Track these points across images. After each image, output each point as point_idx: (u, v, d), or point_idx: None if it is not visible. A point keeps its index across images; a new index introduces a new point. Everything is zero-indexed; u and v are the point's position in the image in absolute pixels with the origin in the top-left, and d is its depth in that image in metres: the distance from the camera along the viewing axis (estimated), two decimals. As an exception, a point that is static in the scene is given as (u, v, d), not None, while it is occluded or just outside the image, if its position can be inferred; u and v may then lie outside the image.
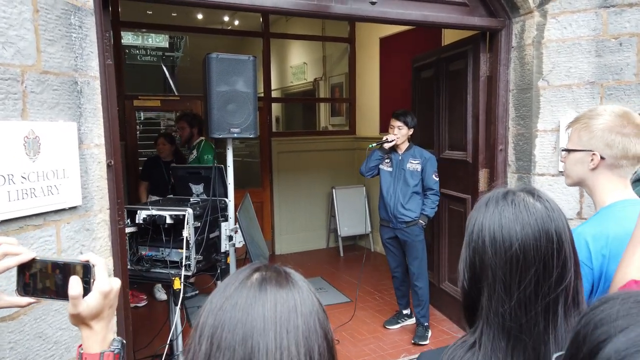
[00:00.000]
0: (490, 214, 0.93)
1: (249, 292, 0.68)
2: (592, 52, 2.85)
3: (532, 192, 0.96)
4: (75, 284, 0.81)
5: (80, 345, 0.84)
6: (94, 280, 0.83)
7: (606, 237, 1.29)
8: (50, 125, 1.71)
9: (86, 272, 0.83)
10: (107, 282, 0.84)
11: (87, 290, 0.82)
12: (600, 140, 1.35)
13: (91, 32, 1.92)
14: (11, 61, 1.58)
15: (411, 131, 3.64)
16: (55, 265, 0.85)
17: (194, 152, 4.47)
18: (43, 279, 0.86)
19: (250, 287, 0.69)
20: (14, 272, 0.88)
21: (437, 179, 3.63)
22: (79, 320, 0.83)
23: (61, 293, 0.83)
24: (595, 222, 1.36)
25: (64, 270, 0.84)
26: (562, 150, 1.49)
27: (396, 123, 3.62)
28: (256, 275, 0.71)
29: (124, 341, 0.88)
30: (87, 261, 0.84)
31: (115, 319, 0.90)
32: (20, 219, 1.61)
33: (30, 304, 0.90)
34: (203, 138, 4.49)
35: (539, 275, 0.88)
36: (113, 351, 0.84)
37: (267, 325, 0.66)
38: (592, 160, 1.37)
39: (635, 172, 2.45)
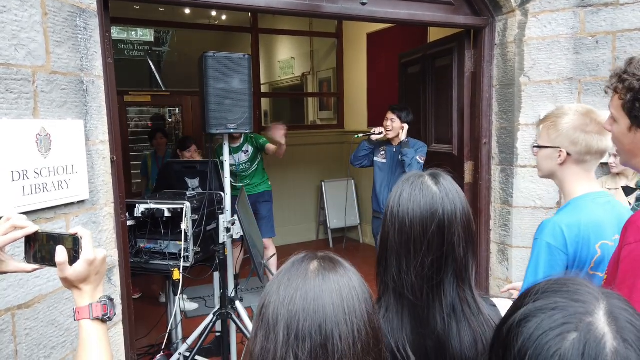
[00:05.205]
0: (394, 193, 1.06)
1: (315, 282, 0.76)
2: (571, 49, 3.00)
3: (435, 176, 1.08)
4: (60, 252, 0.95)
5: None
6: (81, 250, 0.96)
7: (578, 226, 1.43)
8: (59, 123, 1.79)
9: (75, 243, 0.96)
10: (91, 252, 0.97)
11: (76, 258, 0.96)
12: (566, 138, 1.48)
13: (95, 33, 2.00)
14: (23, 62, 1.66)
15: (405, 126, 3.73)
16: (51, 237, 1.00)
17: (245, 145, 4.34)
18: (42, 249, 1.00)
19: (314, 278, 0.77)
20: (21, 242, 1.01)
21: (422, 162, 3.59)
22: (69, 283, 0.96)
23: (55, 261, 0.96)
24: (568, 212, 1.49)
25: (57, 241, 0.98)
26: (534, 146, 1.62)
27: (390, 115, 3.72)
28: (314, 265, 0.79)
29: (112, 297, 1.01)
30: (76, 234, 0.97)
31: (102, 286, 1.02)
32: (33, 213, 1.69)
33: (35, 269, 1.04)
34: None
35: (424, 250, 1.00)
36: (100, 302, 0.97)
37: (338, 312, 0.74)
38: (559, 156, 1.49)
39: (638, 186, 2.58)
